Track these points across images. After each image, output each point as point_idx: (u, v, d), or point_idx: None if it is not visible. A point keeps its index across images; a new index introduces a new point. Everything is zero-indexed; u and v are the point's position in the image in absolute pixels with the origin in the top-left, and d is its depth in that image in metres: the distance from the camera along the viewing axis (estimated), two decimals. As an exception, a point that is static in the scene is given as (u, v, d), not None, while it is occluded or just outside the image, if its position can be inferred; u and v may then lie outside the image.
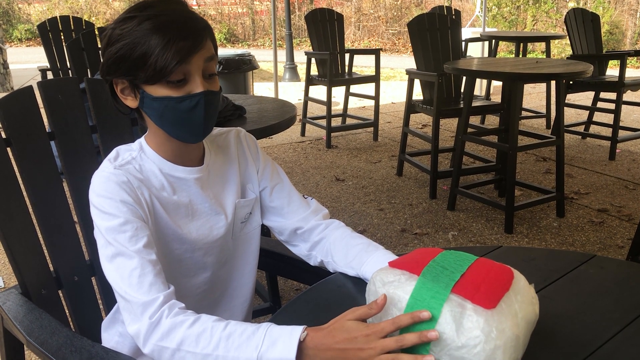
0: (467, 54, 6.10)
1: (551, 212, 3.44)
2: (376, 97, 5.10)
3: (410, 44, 4.01)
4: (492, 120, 5.77)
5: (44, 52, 4.39)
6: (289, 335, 0.80)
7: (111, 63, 0.95)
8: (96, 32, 3.64)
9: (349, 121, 5.55)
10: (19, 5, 18.80)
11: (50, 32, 4.38)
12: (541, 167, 4.40)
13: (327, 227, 1.15)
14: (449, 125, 5.70)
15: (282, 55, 9.66)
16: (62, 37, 4.43)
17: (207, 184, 1.09)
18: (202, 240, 1.07)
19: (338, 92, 6.21)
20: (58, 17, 4.44)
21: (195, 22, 0.95)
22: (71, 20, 4.51)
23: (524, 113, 5.83)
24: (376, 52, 5.08)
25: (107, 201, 0.95)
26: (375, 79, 5.08)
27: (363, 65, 9.92)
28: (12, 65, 9.72)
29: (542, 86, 7.71)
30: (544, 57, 6.22)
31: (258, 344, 0.80)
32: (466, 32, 7.52)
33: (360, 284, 1.03)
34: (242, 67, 5.00)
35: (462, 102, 3.95)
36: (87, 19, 4.68)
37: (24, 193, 1.22)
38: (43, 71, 4.35)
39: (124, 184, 0.97)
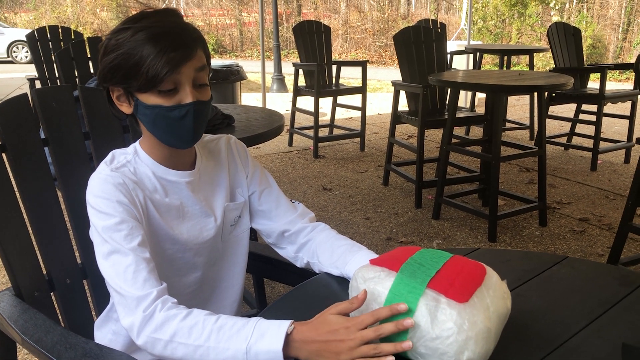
0: (452, 66, 6.20)
1: (534, 221, 3.52)
2: (363, 108, 5.17)
3: (396, 56, 4.08)
4: (477, 132, 5.87)
5: (33, 61, 4.41)
6: (277, 328, 0.84)
7: (107, 71, 1.00)
8: (85, 42, 3.68)
9: (336, 132, 5.62)
10: (5, 15, 18.75)
11: (38, 42, 4.40)
12: (524, 178, 4.48)
13: (314, 230, 1.20)
14: (435, 136, 5.79)
15: (270, 66, 9.74)
16: (51, 47, 4.46)
17: (198, 187, 1.13)
18: (192, 241, 1.12)
19: (325, 102, 6.28)
20: (47, 27, 4.47)
21: (187, 33, 1.00)
22: (60, 30, 4.54)
23: (508, 124, 5.94)
24: (363, 64, 5.16)
25: (104, 201, 0.99)
26: (362, 90, 5.16)
27: (350, 76, 10.02)
28: (0, 75, 9.70)
29: (527, 98, 7.85)
30: (528, 69, 6.35)
31: (247, 335, 0.84)
32: (451, 45, 7.65)
33: (344, 282, 1.07)
34: (230, 77, 5.05)
35: (446, 113, 4.03)
36: (74, 29, 4.70)
37: (18, 198, 1.26)
38: (31, 80, 4.37)
39: (120, 185, 1.01)
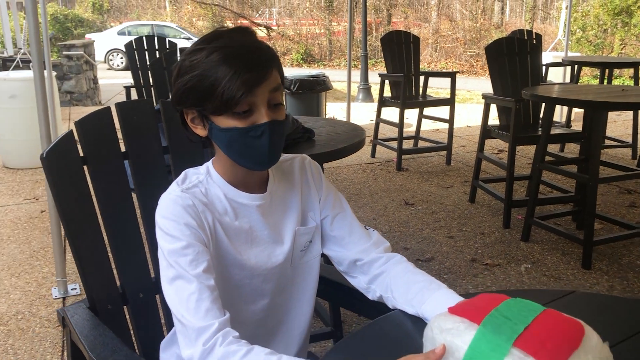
0: (548, 79, 5.89)
1: (635, 249, 3.23)
2: (450, 120, 5.01)
3: (488, 68, 3.91)
4: (573, 148, 5.53)
5: (130, 69, 4.61)
6: None
7: (181, 94, 0.98)
8: (178, 52, 3.79)
9: (421, 144, 5.48)
10: (111, 24, 19.96)
11: (135, 51, 4.60)
12: (625, 200, 4.15)
13: (388, 261, 1.13)
14: (526, 151, 5.51)
15: (356, 75, 9.71)
16: (147, 56, 4.64)
17: (269, 211, 1.09)
18: (261, 267, 1.08)
19: (411, 113, 6.15)
20: (144, 38, 4.66)
21: (262, 53, 0.96)
22: (155, 40, 4.72)
23: (607, 142, 5.54)
24: (452, 75, 5.01)
25: (171, 223, 0.97)
26: (450, 102, 5.00)
27: (439, 86, 9.82)
28: (102, 81, 10.31)
29: (629, 113, 7.32)
30: (632, 84, 5.91)
31: None
32: (547, 57, 7.29)
33: (419, 322, 0.99)
34: (316, 87, 5.05)
35: (540, 129, 3.81)
36: (172, 38, 4.88)
37: (97, 209, 1.27)
38: (127, 88, 4.57)
39: (189, 207, 0.99)
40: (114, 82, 10.97)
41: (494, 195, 3.78)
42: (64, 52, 8.72)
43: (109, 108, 1.32)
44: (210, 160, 1.10)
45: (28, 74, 4.65)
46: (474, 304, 0.79)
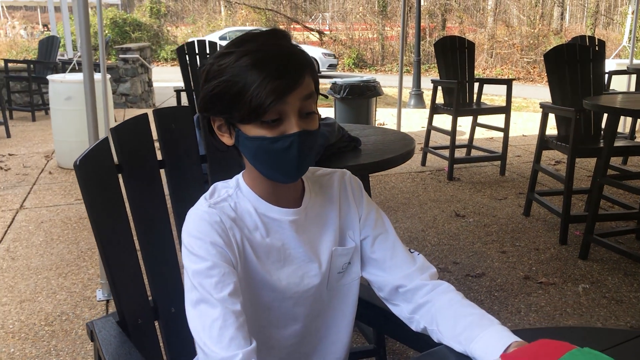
0: (611, 88, 5.60)
1: None
2: (506, 129, 4.82)
3: (545, 74, 3.74)
4: (637, 161, 5.24)
5: (180, 73, 4.64)
6: None
7: (207, 100, 0.92)
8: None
9: (474, 153, 5.31)
10: (168, 28, 20.45)
11: (187, 55, 4.62)
12: (694, 218, 3.88)
13: (434, 290, 1.02)
14: (585, 163, 5.25)
15: (408, 81, 9.55)
16: (198, 60, 4.67)
17: (303, 227, 1.02)
18: (292, 289, 1.00)
19: (464, 121, 5.98)
20: (195, 41, 4.68)
21: (294, 58, 0.89)
22: (207, 44, 4.74)
23: (675, 154, 5.23)
24: (508, 83, 4.82)
25: (197, 242, 0.91)
26: (505, 110, 4.82)
27: (494, 93, 9.55)
28: (156, 84, 10.53)
29: (699, 125, 6.90)
30: None
31: None
32: (610, 64, 6.97)
33: (468, 362, 0.89)
34: (366, 93, 4.96)
35: (602, 141, 3.60)
36: (225, 43, 4.90)
37: (131, 220, 1.22)
38: (178, 92, 4.60)
39: (216, 224, 0.93)
40: (168, 85, 11.19)
41: (551, 209, 3.59)
42: (120, 55, 8.94)
43: (146, 115, 1.27)
44: (240, 173, 1.03)
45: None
46: (534, 353, 0.69)
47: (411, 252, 1.07)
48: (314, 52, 15.37)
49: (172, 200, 1.30)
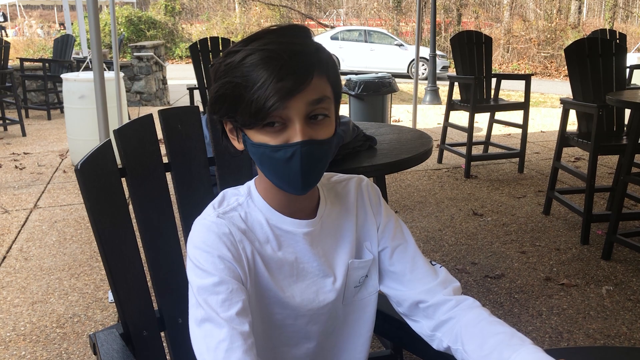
0: (632, 82, 5.46)
1: None
2: (524, 126, 4.72)
3: (563, 69, 3.62)
4: (660, 157, 5.10)
5: (194, 71, 4.60)
6: None
7: (213, 102, 0.85)
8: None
9: (491, 150, 5.20)
10: (182, 26, 20.48)
11: (200, 53, 4.58)
12: None
13: (458, 305, 0.94)
14: (607, 160, 5.13)
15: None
16: (211, 58, 4.62)
17: (318, 239, 0.95)
18: (306, 306, 0.93)
19: (481, 118, 5.87)
20: (208, 39, 4.63)
21: (303, 57, 0.79)
22: (220, 41, 4.69)
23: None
24: (527, 78, 4.72)
25: (203, 255, 0.85)
26: (524, 106, 4.71)
27: (511, 89, 9.40)
28: (170, 81, 10.53)
29: None
30: None
31: None
32: (631, 58, 6.80)
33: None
34: (382, 89, 4.88)
35: (624, 137, 3.49)
36: (238, 40, 4.85)
37: (135, 226, 1.17)
38: (190, 90, 4.56)
39: (224, 235, 0.86)
40: (182, 82, 11.19)
41: (572, 208, 3.49)
42: (135, 54, 8.93)
43: (151, 115, 1.22)
44: (253, 180, 0.96)
45: (96, 75, 4.72)
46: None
47: (433, 265, 1.00)
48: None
49: (179, 205, 1.24)
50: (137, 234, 1.17)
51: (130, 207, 1.17)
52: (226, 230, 0.87)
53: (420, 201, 4.10)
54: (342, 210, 0.99)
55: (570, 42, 3.70)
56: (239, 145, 0.89)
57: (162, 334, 1.21)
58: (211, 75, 0.87)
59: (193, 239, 0.87)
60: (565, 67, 3.64)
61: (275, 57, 0.78)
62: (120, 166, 1.16)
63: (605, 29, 5.39)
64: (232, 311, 0.81)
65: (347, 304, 0.99)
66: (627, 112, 3.71)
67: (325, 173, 0.92)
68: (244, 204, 0.92)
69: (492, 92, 5.03)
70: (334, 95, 0.85)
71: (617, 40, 5.07)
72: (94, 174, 1.09)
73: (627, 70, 5.00)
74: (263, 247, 0.90)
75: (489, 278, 2.88)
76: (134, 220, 1.17)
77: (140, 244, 1.17)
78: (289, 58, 0.78)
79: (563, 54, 3.66)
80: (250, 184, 0.95)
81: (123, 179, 1.16)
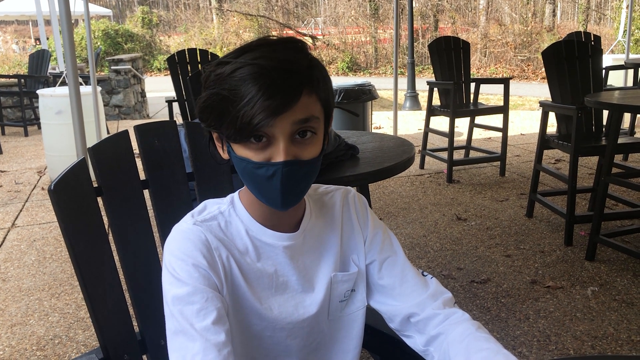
0: (608, 84, 5.53)
1: None
2: (504, 130, 4.74)
3: (540, 71, 3.65)
4: (638, 158, 5.16)
5: (172, 83, 4.55)
6: None
7: (200, 111, 0.83)
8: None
9: (472, 154, 5.23)
10: (160, 38, 20.37)
11: (178, 65, 4.54)
12: (701, 214, 3.80)
13: (447, 319, 0.92)
14: (586, 161, 5.18)
15: (403, 83, 9.47)
16: (189, 69, 4.58)
17: (299, 253, 0.93)
18: (285, 319, 0.91)
19: (462, 122, 5.90)
20: (186, 50, 4.60)
21: (292, 75, 0.77)
22: (198, 53, 4.65)
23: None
24: (505, 82, 4.74)
25: (178, 262, 0.83)
26: (503, 109, 4.74)
27: (489, 92, 9.48)
28: (149, 94, 10.44)
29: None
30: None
31: None
32: (606, 60, 6.90)
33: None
34: (362, 97, 4.87)
35: (603, 138, 3.52)
36: (217, 51, 4.81)
37: (113, 246, 1.13)
38: (169, 102, 4.51)
39: (200, 242, 0.85)
40: (162, 95, 11.15)
41: (554, 210, 3.51)
42: (112, 67, 8.85)
43: (126, 132, 1.18)
44: (238, 191, 0.94)
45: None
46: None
47: (424, 276, 0.98)
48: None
49: (158, 223, 1.21)
50: (116, 254, 1.13)
51: (108, 227, 1.13)
52: (202, 237, 0.85)
53: (403, 207, 4.09)
54: (327, 223, 0.97)
55: (546, 45, 3.72)
56: (225, 155, 0.88)
57: (145, 357, 1.17)
58: (202, 82, 0.84)
59: (169, 246, 0.86)
60: (543, 69, 3.66)
61: (264, 74, 0.75)
62: (95, 185, 1.12)
63: (580, 32, 5.46)
64: (207, 321, 0.79)
65: (333, 319, 0.96)
66: (605, 113, 3.75)
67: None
68: (225, 213, 0.91)
69: (472, 96, 5.06)
70: (325, 113, 0.84)
71: (592, 42, 5.14)
72: (69, 195, 1.05)
73: (603, 71, 5.07)
74: (242, 257, 0.89)
75: (475, 283, 2.87)
76: (111, 241, 1.13)
77: (119, 265, 1.14)
78: (278, 75, 0.76)
79: (540, 57, 3.69)
80: (235, 194, 0.94)
81: (99, 198, 1.12)
